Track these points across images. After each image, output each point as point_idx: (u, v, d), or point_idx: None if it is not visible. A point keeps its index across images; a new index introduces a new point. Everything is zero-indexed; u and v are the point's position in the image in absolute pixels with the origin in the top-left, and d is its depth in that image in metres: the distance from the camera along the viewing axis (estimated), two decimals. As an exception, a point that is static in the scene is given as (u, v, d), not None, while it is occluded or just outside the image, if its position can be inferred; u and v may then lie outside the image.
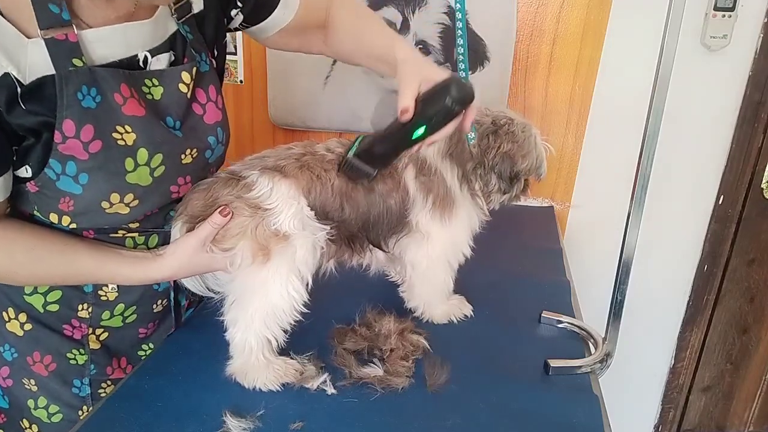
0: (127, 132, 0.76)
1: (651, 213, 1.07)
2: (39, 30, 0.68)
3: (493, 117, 0.99)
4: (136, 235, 0.87)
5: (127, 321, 0.93)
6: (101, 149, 0.74)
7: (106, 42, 0.74)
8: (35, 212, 0.79)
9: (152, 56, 0.80)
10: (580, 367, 0.92)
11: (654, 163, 0.87)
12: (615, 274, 0.95)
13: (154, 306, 0.95)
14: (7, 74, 0.67)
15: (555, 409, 0.83)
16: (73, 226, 0.79)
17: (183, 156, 0.83)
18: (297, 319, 0.86)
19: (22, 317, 0.89)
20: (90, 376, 0.93)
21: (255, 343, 0.84)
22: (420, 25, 1.57)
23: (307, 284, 0.86)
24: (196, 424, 0.77)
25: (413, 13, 1.56)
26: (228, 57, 1.74)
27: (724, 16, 1.46)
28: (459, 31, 0.90)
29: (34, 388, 0.92)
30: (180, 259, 0.84)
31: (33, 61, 0.69)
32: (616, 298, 0.95)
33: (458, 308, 1.06)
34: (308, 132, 1.75)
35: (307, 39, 1.04)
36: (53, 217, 0.78)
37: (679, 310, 1.81)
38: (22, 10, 0.68)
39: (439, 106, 0.80)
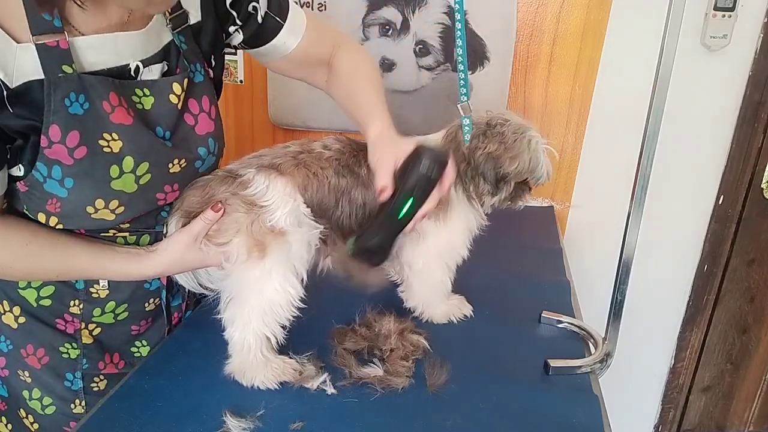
0: (113, 140, 0.76)
1: (651, 213, 1.07)
2: (31, 36, 0.69)
3: (489, 118, 0.98)
4: (127, 234, 0.88)
5: (118, 318, 0.94)
6: (86, 155, 0.75)
7: (97, 50, 0.75)
8: (25, 210, 0.80)
9: (144, 66, 0.80)
10: (580, 367, 0.92)
11: (654, 163, 0.87)
12: (615, 274, 0.95)
13: (146, 304, 0.96)
14: None
15: (555, 409, 0.83)
16: (60, 227, 0.80)
17: (170, 165, 0.84)
18: (296, 318, 0.86)
19: (17, 310, 0.89)
20: (82, 370, 0.93)
21: (253, 340, 0.85)
22: (420, 25, 1.57)
23: (302, 280, 0.86)
24: (196, 424, 0.77)
25: (413, 13, 1.56)
26: (228, 57, 1.74)
27: (724, 16, 1.46)
28: (458, 31, 0.90)
29: (29, 380, 0.93)
30: (172, 255, 0.85)
31: (21, 65, 0.69)
32: (616, 298, 0.95)
33: (458, 308, 1.06)
34: (308, 132, 1.75)
35: (311, 72, 1.05)
36: (41, 217, 0.79)
37: (679, 310, 1.81)
38: (14, 16, 0.69)
39: (417, 175, 0.82)
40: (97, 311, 0.91)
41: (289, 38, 0.97)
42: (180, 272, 0.90)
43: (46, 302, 0.89)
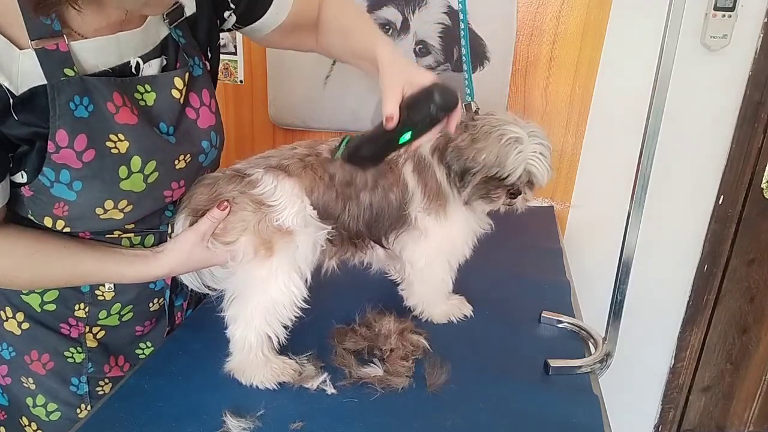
0: (120, 140, 0.76)
1: (651, 213, 1.07)
2: (29, 41, 0.68)
3: (479, 115, 0.97)
4: (132, 235, 0.88)
5: (123, 320, 0.94)
6: (95, 158, 0.75)
7: (97, 51, 0.75)
8: (30, 216, 0.79)
9: (144, 62, 0.80)
10: (580, 367, 0.92)
11: (654, 163, 0.87)
12: (615, 274, 0.95)
13: (150, 305, 0.96)
14: None
15: (555, 409, 0.83)
16: (68, 229, 0.80)
17: (176, 162, 0.84)
18: (297, 317, 0.86)
19: (20, 316, 0.89)
20: (87, 374, 0.93)
21: (255, 339, 0.85)
22: (420, 25, 1.57)
23: (306, 281, 0.86)
24: (196, 424, 0.77)
25: (413, 13, 1.56)
26: (228, 57, 1.74)
27: (724, 16, 1.46)
28: (462, 32, 0.90)
29: (33, 387, 0.92)
30: (179, 255, 0.85)
31: (24, 72, 0.69)
32: (616, 298, 0.95)
33: (458, 308, 1.06)
34: (308, 132, 1.75)
35: (300, 37, 1.04)
36: (47, 221, 0.78)
37: (679, 310, 1.81)
38: (13, 21, 0.68)
39: (424, 113, 0.81)
40: (102, 314, 0.91)
41: (280, 8, 0.97)
42: (186, 272, 0.90)
43: (51, 307, 0.89)
